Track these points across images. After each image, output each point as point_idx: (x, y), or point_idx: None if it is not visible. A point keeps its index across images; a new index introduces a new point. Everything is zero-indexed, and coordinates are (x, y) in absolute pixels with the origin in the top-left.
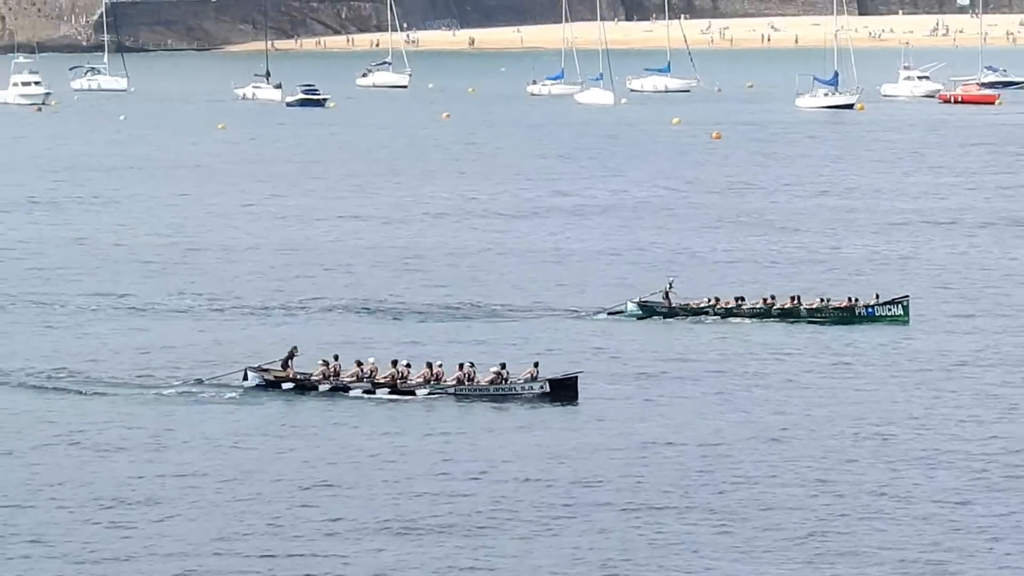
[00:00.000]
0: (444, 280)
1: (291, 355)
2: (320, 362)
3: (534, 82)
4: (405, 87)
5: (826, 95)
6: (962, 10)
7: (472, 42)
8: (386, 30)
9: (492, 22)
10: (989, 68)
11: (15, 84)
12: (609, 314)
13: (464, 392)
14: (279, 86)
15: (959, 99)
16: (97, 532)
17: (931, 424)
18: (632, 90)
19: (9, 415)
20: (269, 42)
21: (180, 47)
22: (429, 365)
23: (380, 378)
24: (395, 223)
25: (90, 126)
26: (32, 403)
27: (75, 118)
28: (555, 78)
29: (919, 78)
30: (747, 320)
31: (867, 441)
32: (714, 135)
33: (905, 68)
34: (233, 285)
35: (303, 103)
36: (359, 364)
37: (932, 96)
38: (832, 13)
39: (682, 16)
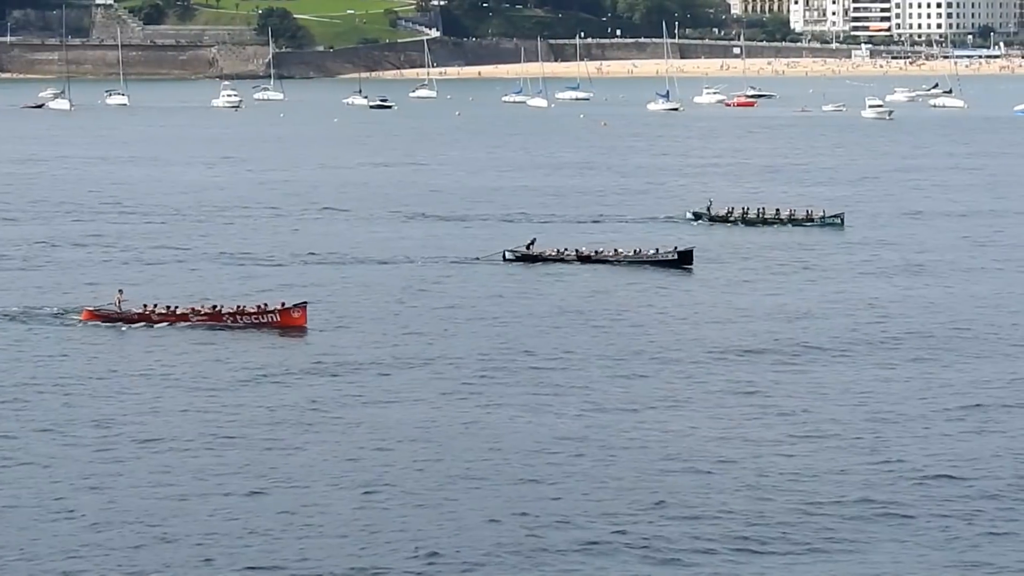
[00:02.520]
0: (536, 200)
1: (532, 242)
2: (553, 249)
3: (506, 95)
4: (435, 97)
5: (663, 103)
6: (736, 56)
7: (479, 73)
8: (424, 66)
9: (484, 62)
10: (751, 87)
11: (223, 96)
12: (691, 218)
13: (632, 259)
14: (366, 97)
15: (735, 104)
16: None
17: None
18: (558, 98)
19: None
20: (361, 74)
21: (313, 76)
22: (615, 250)
23: (580, 255)
24: (439, 167)
25: (263, 119)
26: (374, 274)
27: (255, 114)
28: (517, 92)
29: (713, 93)
30: (758, 224)
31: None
32: (603, 123)
33: (706, 88)
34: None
35: (380, 106)
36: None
37: (720, 103)
38: (665, 58)
39: (585, 59)
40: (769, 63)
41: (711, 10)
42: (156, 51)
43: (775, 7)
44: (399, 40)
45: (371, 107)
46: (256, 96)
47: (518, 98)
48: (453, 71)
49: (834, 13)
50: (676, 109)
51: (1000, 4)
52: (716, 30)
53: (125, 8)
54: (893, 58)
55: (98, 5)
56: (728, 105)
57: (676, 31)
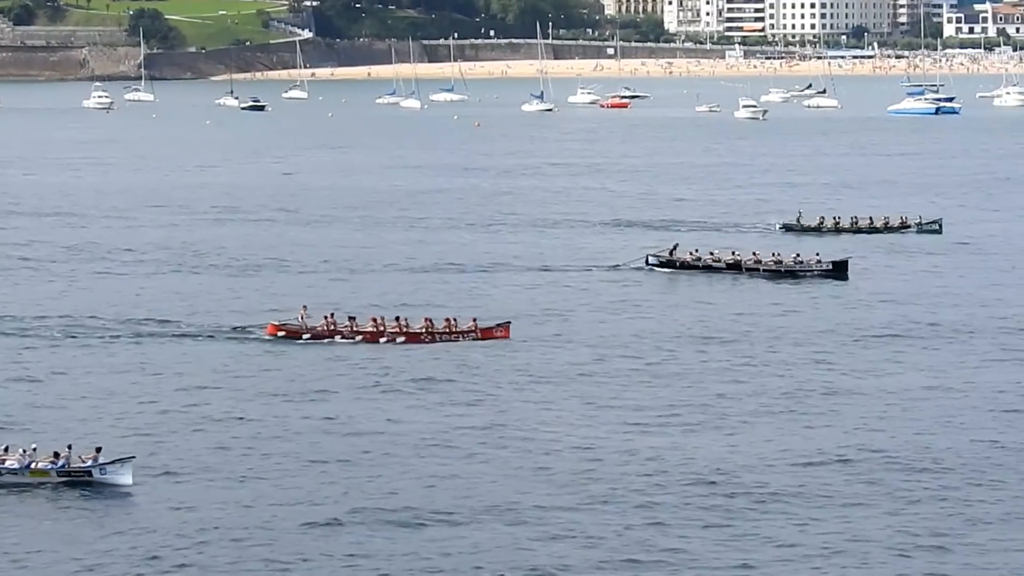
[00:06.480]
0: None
1: (674, 247)
2: (688, 252)
3: (380, 96)
4: (307, 99)
5: (537, 104)
6: (610, 57)
7: (369, 74)
8: (296, 68)
9: (357, 63)
10: (625, 88)
11: (94, 97)
12: (782, 228)
13: (787, 270)
14: (237, 98)
15: (609, 105)
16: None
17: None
18: (432, 100)
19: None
20: (232, 75)
21: (185, 77)
22: (753, 254)
23: (727, 263)
24: (312, 172)
25: (134, 120)
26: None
27: (126, 115)
28: (390, 93)
29: (588, 93)
30: (854, 233)
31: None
32: (476, 124)
33: (580, 88)
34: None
35: (252, 108)
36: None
37: (595, 103)
38: (539, 59)
39: (458, 60)
40: (643, 63)
41: (585, 11)
42: (26, 52)
43: (649, 8)
44: (271, 41)
45: (243, 108)
46: (127, 97)
47: (391, 99)
48: (336, 72)
49: (708, 14)
50: (550, 110)
51: (874, 5)
52: (590, 31)
53: None
54: (767, 59)
55: None
56: (603, 107)
57: (550, 32)
